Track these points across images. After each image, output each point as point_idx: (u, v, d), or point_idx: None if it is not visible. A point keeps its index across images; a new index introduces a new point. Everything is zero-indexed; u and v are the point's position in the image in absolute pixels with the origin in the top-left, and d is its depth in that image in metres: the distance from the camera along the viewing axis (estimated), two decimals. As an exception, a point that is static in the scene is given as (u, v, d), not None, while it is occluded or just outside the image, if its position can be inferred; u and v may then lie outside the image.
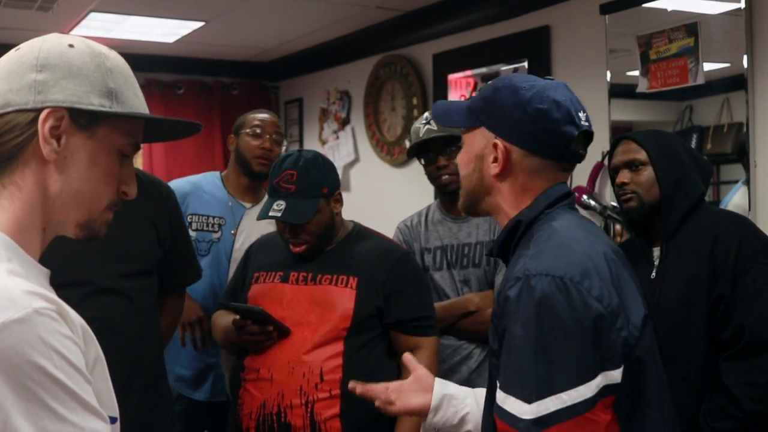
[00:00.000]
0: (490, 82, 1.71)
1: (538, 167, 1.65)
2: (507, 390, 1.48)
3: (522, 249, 1.61)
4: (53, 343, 1.06)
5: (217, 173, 3.49)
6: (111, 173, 1.27)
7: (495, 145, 1.65)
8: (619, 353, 1.50)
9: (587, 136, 1.70)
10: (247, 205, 3.35)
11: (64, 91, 1.20)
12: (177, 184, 3.24)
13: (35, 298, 1.08)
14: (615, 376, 1.49)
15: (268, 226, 3.23)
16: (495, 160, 1.65)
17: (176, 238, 2.64)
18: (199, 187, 3.36)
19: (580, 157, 1.71)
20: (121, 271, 2.38)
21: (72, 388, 1.06)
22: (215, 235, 3.28)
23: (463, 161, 1.73)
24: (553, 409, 1.43)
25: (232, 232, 3.29)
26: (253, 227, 3.25)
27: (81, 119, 1.21)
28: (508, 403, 1.47)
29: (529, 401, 1.44)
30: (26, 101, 1.19)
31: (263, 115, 3.48)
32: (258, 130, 3.36)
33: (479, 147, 1.68)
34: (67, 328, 1.10)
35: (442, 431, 1.84)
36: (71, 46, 1.24)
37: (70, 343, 1.09)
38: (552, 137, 1.62)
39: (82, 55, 1.23)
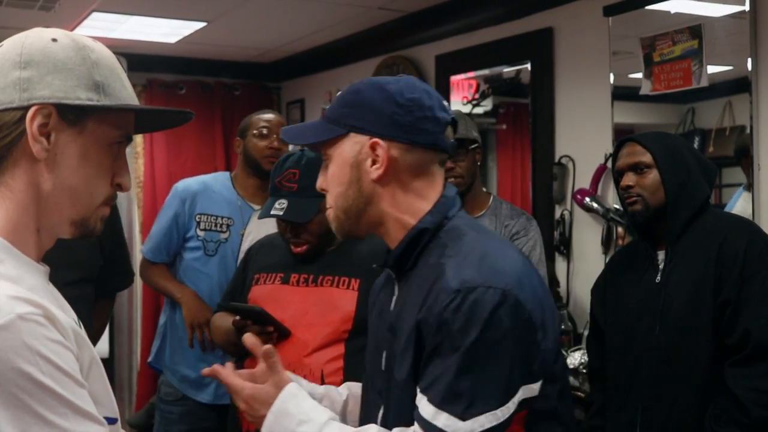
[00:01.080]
0: (339, 92, 1.63)
1: (420, 162, 1.58)
2: (440, 405, 1.40)
3: (435, 258, 1.53)
4: (39, 349, 1.04)
5: (227, 173, 3.51)
6: (104, 167, 1.25)
7: (374, 145, 1.55)
8: (540, 366, 1.46)
9: (454, 125, 1.66)
10: (256, 206, 3.35)
11: (50, 87, 1.18)
12: (186, 184, 3.26)
13: (20, 303, 1.06)
14: (534, 389, 1.46)
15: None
16: (374, 162, 1.56)
17: (114, 245, 2.65)
18: (209, 187, 3.37)
19: (453, 147, 1.66)
20: (65, 279, 2.37)
21: (62, 394, 1.04)
22: (223, 236, 3.29)
23: (335, 177, 1.58)
24: (488, 426, 1.38)
25: (241, 232, 3.30)
26: (261, 229, 3.23)
27: (69, 115, 1.19)
28: (440, 419, 1.39)
29: (463, 418, 1.38)
30: (12, 99, 1.17)
31: (269, 116, 3.50)
32: (265, 131, 3.37)
33: (352, 154, 1.56)
34: (55, 332, 1.08)
35: None
36: (54, 40, 1.21)
37: (58, 347, 1.07)
38: (430, 124, 1.57)
39: (66, 49, 1.21)
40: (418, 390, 1.46)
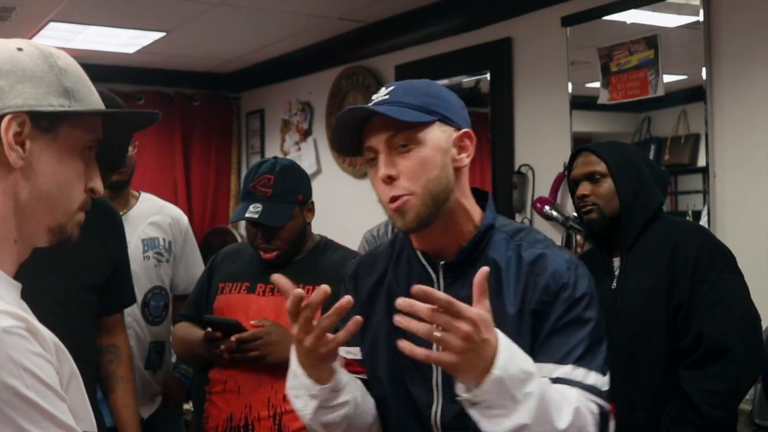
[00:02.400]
0: (398, 83, 1.64)
1: None
2: (586, 365, 1.53)
3: (514, 252, 1.63)
4: (23, 362, 1.03)
5: None
6: (78, 172, 1.25)
7: (466, 135, 1.62)
8: None
9: None
10: (120, 212, 3.24)
11: (22, 95, 1.17)
12: None
13: (2, 317, 1.05)
14: None
15: (150, 230, 3.23)
16: (462, 150, 1.62)
17: (122, 260, 2.63)
18: None
19: None
20: (70, 284, 2.36)
21: (44, 407, 1.03)
22: None
23: (427, 161, 1.57)
24: (608, 381, 1.57)
25: None
26: (132, 232, 3.14)
27: (43, 122, 1.18)
28: (591, 377, 1.53)
29: (603, 374, 1.55)
30: None
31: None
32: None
33: (443, 141, 1.60)
34: (38, 346, 1.07)
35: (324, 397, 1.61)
36: (20, 49, 1.21)
37: (41, 361, 1.06)
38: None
39: (33, 57, 1.20)
40: (551, 363, 1.54)
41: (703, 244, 2.38)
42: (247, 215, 2.47)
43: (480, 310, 1.37)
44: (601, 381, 1.55)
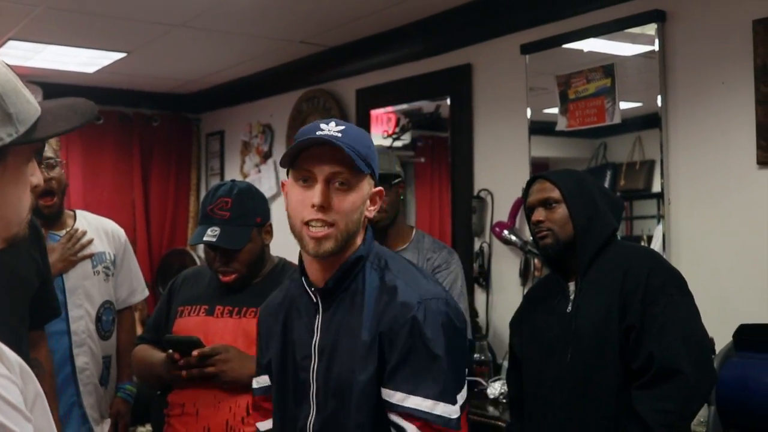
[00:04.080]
0: (348, 126, 1.80)
1: None
2: (435, 397, 1.70)
3: (378, 281, 1.81)
4: None
5: None
6: (26, 183, 1.24)
7: (378, 193, 1.86)
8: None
9: None
10: (59, 232, 3.19)
11: None
12: None
13: None
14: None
15: (95, 244, 3.22)
16: (372, 204, 1.84)
17: (47, 273, 2.62)
18: None
19: None
20: (5, 299, 2.34)
21: (11, 428, 1.03)
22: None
23: (354, 204, 1.78)
24: (461, 404, 1.75)
25: None
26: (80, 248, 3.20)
27: None
28: (438, 408, 1.70)
29: (453, 403, 1.72)
30: None
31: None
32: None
33: (367, 192, 1.81)
34: (2, 367, 1.07)
35: None
36: None
37: (6, 382, 1.06)
38: None
39: None
40: (394, 391, 1.73)
41: (654, 267, 2.42)
42: (205, 239, 2.47)
43: None
44: (449, 410, 1.71)
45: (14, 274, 2.38)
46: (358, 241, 1.84)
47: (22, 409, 1.07)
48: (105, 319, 3.25)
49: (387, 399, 1.74)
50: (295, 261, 2.68)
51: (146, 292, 3.58)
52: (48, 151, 3.07)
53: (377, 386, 1.75)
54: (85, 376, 3.16)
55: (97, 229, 3.32)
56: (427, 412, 1.70)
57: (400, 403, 1.71)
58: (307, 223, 1.75)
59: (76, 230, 3.10)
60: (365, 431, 1.75)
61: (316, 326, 1.85)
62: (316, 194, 1.73)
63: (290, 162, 1.79)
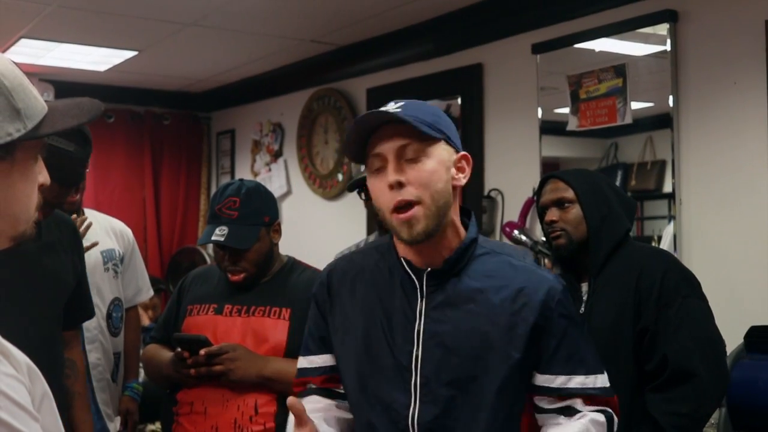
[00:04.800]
0: (408, 101, 1.70)
1: None
2: (591, 372, 1.72)
3: (494, 263, 1.73)
4: None
5: None
6: (34, 180, 1.25)
7: (465, 158, 1.73)
8: None
9: None
10: None
11: None
12: None
13: None
14: None
15: (106, 241, 3.24)
16: (460, 171, 1.71)
17: (83, 273, 2.63)
18: None
19: None
20: (41, 298, 2.36)
21: (17, 428, 1.03)
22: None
23: (435, 174, 1.64)
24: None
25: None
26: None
27: (0, 151, 1.17)
28: (599, 380, 1.72)
29: (603, 371, 1.75)
30: None
31: None
32: None
33: (447, 158, 1.68)
34: (9, 367, 1.08)
35: None
36: None
37: (13, 382, 1.06)
38: None
39: None
40: (555, 375, 1.70)
41: (669, 269, 2.41)
42: (213, 238, 2.48)
43: None
44: (604, 379, 1.74)
45: (52, 273, 2.40)
46: (454, 216, 1.71)
47: (29, 409, 1.07)
48: (115, 316, 3.27)
49: (545, 384, 1.70)
50: (305, 259, 2.72)
51: (151, 292, 3.60)
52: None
53: (520, 373, 1.68)
54: (98, 372, 3.18)
55: (106, 228, 3.34)
56: (592, 388, 1.70)
57: (565, 386, 1.69)
58: (395, 209, 1.63)
59: (76, 218, 3.08)
60: (496, 420, 1.66)
61: (418, 311, 1.70)
62: (389, 173, 1.62)
63: (360, 157, 1.70)
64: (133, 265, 3.45)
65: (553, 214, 2.54)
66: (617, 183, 3.65)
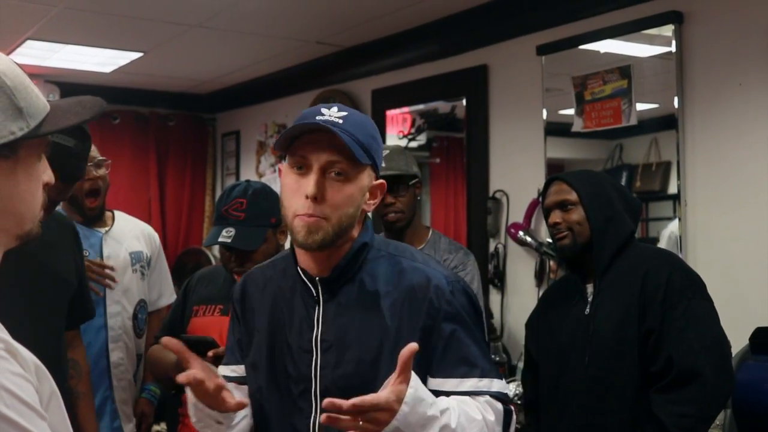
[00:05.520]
0: (350, 112, 1.70)
1: None
2: (486, 375, 1.70)
3: (390, 267, 1.74)
4: (3, 382, 1.04)
5: (60, 211, 3.33)
6: (39, 179, 1.26)
7: (379, 186, 1.76)
8: None
9: None
10: (102, 229, 3.25)
11: None
12: None
13: None
14: None
15: (134, 243, 3.27)
16: (372, 197, 1.74)
17: (83, 273, 2.65)
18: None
19: None
20: (44, 296, 2.37)
21: (25, 426, 1.04)
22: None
23: (351, 197, 1.67)
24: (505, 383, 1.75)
25: (98, 260, 3.19)
26: (120, 247, 3.23)
27: (4, 150, 1.18)
28: (495, 384, 1.70)
29: (500, 378, 1.73)
30: None
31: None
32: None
33: (366, 184, 1.71)
34: (17, 366, 1.08)
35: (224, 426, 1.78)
36: None
37: (21, 381, 1.07)
38: None
39: None
40: (444, 378, 1.68)
41: (674, 270, 2.42)
42: (220, 240, 2.48)
43: (396, 388, 1.49)
44: (502, 385, 1.72)
45: (54, 273, 2.41)
46: (354, 233, 1.74)
47: (37, 408, 1.08)
48: (140, 317, 3.29)
49: (437, 388, 1.65)
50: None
51: (173, 297, 3.59)
52: (94, 152, 3.10)
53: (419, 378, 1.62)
54: (120, 372, 3.19)
55: (135, 230, 3.37)
56: (488, 391, 1.68)
57: (457, 389, 1.67)
58: (299, 214, 1.66)
59: (113, 270, 3.11)
60: None
61: (316, 318, 1.73)
62: (310, 184, 1.63)
63: (286, 147, 1.69)
64: (159, 269, 3.47)
65: (556, 216, 2.55)
66: (622, 184, 3.64)
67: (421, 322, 1.67)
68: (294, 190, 1.67)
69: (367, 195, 1.72)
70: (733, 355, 2.69)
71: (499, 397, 1.70)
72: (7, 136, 1.17)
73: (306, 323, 1.74)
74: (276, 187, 2.77)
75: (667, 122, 3.46)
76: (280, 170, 1.75)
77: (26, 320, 2.27)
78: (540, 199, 2.81)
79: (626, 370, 2.38)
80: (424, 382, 1.63)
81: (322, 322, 1.73)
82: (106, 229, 3.25)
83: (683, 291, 2.36)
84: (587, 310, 2.49)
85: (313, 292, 1.75)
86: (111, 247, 3.23)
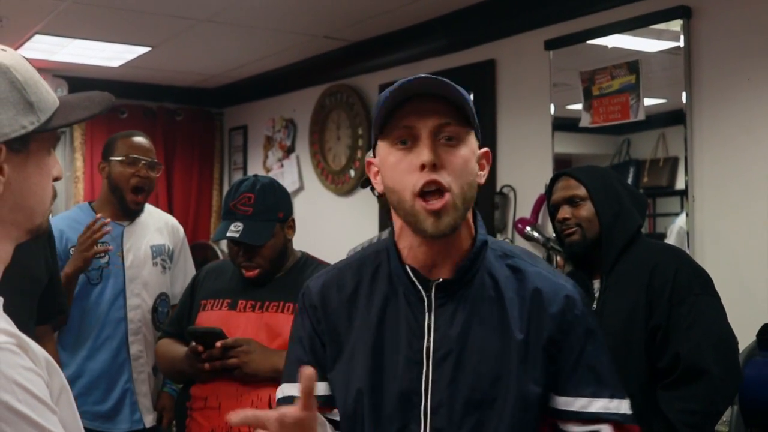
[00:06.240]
0: (444, 79, 1.47)
1: None
2: (616, 395, 1.51)
3: (508, 270, 1.54)
4: (15, 377, 1.05)
5: (86, 203, 3.37)
6: (49, 173, 1.27)
7: (486, 154, 1.55)
8: None
9: None
10: (124, 223, 3.26)
11: None
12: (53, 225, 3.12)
13: None
14: None
15: (156, 236, 3.29)
16: (481, 168, 1.53)
17: (55, 269, 2.66)
18: (74, 219, 3.25)
19: None
20: (16, 292, 2.38)
21: (37, 421, 1.05)
22: (102, 261, 3.19)
23: (468, 164, 1.46)
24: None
25: (118, 253, 3.20)
26: (141, 240, 3.26)
27: (15, 144, 1.19)
28: (624, 405, 1.51)
29: (624, 398, 1.52)
30: None
31: (137, 141, 3.26)
32: (132, 158, 3.18)
33: (475, 151, 1.51)
34: (28, 361, 1.09)
35: None
36: None
37: (32, 375, 1.08)
38: None
39: None
40: (574, 398, 1.50)
41: (681, 266, 2.41)
42: (228, 234, 2.49)
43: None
44: (628, 405, 1.52)
45: (24, 270, 2.41)
46: (469, 216, 1.52)
47: (48, 402, 1.09)
48: (161, 310, 3.31)
49: (564, 408, 1.48)
50: (317, 255, 2.73)
51: None
52: (152, 153, 3.21)
53: (543, 394, 1.49)
54: (139, 364, 3.21)
55: (157, 222, 3.39)
56: (615, 413, 1.49)
57: (584, 410, 1.48)
58: (420, 194, 1.42)
59: (96, 219, 3.10)
60: None
61: (427, 326, 1.50)
62: (423, 152, 1.42)
63: (383, 124, 1.47)
64: (182, 262, 3.48)
65: (565, 211, 2.55)
66: (629, 180, 3.64)
67: (546, 333, 1.48)
68: (404, 168, 1.44)
69: (477, 166, 1.50)
70: (741, 351, 2.69)
71: (628, 423, 1.50)
72: (19, 130, 1.18)
73: (415, 331, 1.51)
74: (284, 182, 2.79)
75: (674, 117, 3.46)
76: (369, 163, 1.56)
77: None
78: (546, 195, 2.81)
79: (633, 366, 2.37)
80: (548, 399, 1.50)
81: (434, 329, 1.50)
82: (129, 223, 3.28)
83: (690, 287, 2.36)
84: (594, 306, 2.49)
85: (423, 294, 1.51)
86: (132, 240, 3.26)
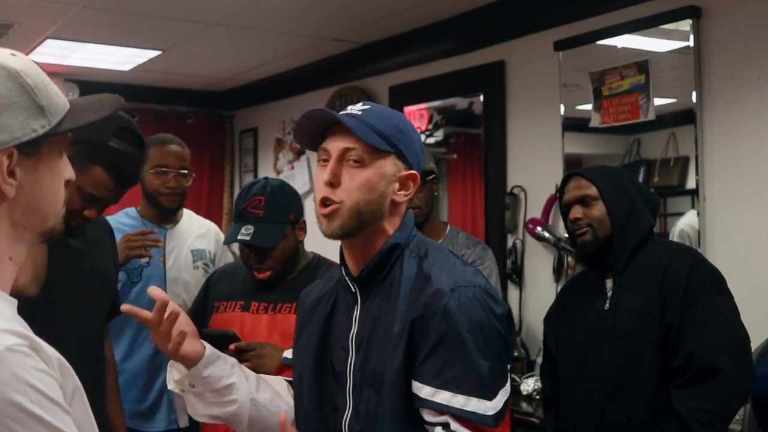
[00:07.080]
0: (375, 106, 1.77)
1: None
2: (468, 393, 1.59)
3: (415, 269, 1.72)
4: (28, 379, 1.06)
5: (133, 209, 3.43)
6: (61, 176, 1.28)
7: (411, 176, 1.75)
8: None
9: None
10: (167, 225, 3.35)
11: (6, 129, 1.17)
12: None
13: (6, 336, 1.08)
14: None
15: (197, 241, 3.34)
16: (403, 188, 1.75)
17: (117, 270, 2.70)
18: (121, 222, 3.28)
19: None
20: (95, 293, 2.43)
21: (50, 422, 1.06)
22: (143, 260, 3.23)
23: (368, 183, 1.69)
24: (503, 400, 1.63)
25: (160, 257, 3.25)
26: (182, 243, 3.31)
27: (27, 148, 1.20)
28: (471, 404, 1.58)
29: (489, 399, 1.60)
30: None
31: (169, 148, 3.35)
32: (162, 169, 3.25)
33: (390, 173, 1.72)
34: (41, 362, 1.10)
35: (199, 388, 1.87)
36: None
37: (45, 377, 1.09)
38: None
39: (3, 82, 1.19)
40: (422, 384, 1.62)
41: (695, 265, 2.41)
42: (239, 237, 2.50)
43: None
44: (484, 406, 1.59)
45: (99, 269, 2.47)
46: (388, 227, 1.74)
47: (61, 403, 1.10)
48: None
49: (416, 393, 1.62)
50: (329, 257, 2.74)
51: None
52: (181, 163, 3.34)
53: (407, 379, 1.64)
54: None
55: (200, 229, 3.47)
56: (458, 408, 1.58)
57: (429, 398, 1.60)
58: (321, 203, 1.70)
59: (153, 231, 3.16)
60: (398, 426, 1.63)
61: (354, 318, 1.75)
62: (327, 171, 1.69)
63: (314, 146, 1.76)
64: None
65: (577, 211, 2.55)
66: (640, 179, 3.64)
67: (411, 317, 1.65)
68: (318, 182, 1.72)
69: (396, 185, 1.73)
70: (753, 350, 2.69)
71: (475, 421, 1.58)
72: (30, 133, 1.19)
73: (346, 321, 1.78)
74: (294, 184, 2.80)
75: (685, 117, 3.46)
76: None
77: (76, 313, 2.33)
78: (557, 195, 2.81)
79: (646, 365, 2.38)
80: (408, 381, 1.64)
81: (358, 321, 1.75)
82: (172, 226, 3.32)
83: (703, 286, 2.36)
84: (606, 305, 2.49)
85: (353, 288, 1.78)
86: (173, 242, 3.31)
